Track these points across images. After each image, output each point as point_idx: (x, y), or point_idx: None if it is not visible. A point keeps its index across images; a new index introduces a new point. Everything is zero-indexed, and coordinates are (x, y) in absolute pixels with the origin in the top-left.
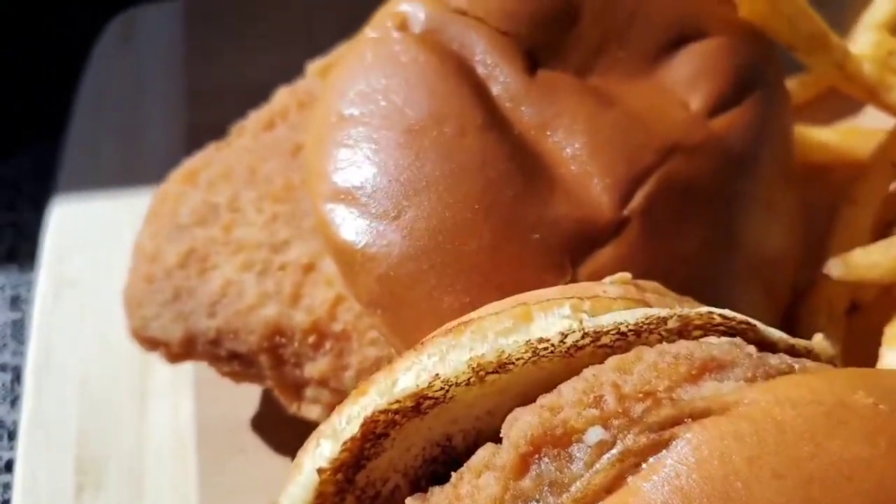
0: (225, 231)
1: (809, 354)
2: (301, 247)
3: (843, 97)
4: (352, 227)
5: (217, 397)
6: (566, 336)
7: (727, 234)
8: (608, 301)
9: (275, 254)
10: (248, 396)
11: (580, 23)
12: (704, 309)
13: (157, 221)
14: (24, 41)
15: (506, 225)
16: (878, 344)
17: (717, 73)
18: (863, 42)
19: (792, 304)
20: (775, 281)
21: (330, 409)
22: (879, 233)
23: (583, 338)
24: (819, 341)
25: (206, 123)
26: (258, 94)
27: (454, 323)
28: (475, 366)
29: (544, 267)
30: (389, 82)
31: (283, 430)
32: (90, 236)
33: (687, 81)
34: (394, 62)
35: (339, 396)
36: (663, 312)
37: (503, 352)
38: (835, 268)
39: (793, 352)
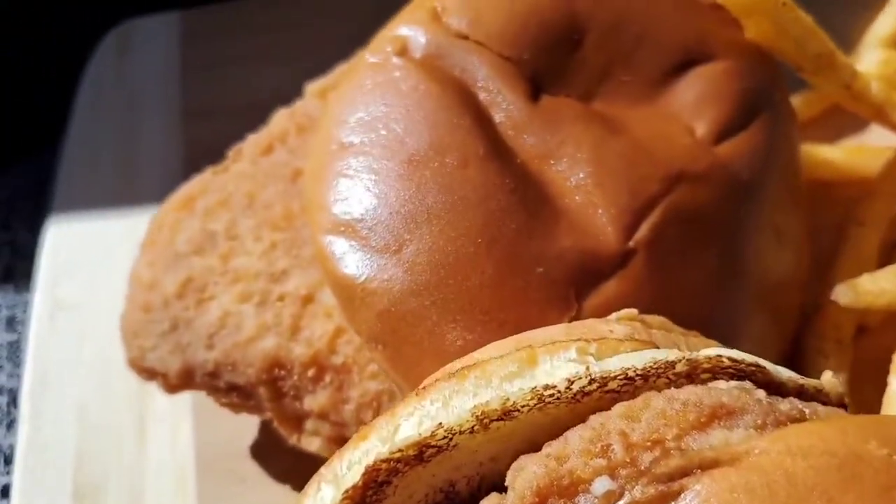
0: (223, 260)
1: (820, 394)
2: (300, 277)
3: (848, 114)
4: (352, 260)
5: (217, 423)
6: (573, 382)
7: (734, 263)
8: (615, 343)
9: (273, 284)
10: (248, 423)
11: (584, 47)
12: (713, 352)
13: (154, 249)
14: (19, 51)
15: (509, 259)
16: (887, 370)
17: (722, 97)
18: (869, 60)
19: (799, 327)
20: (782, 306)
21: (330, 441)
22: (886, 253)
23: (589, 384)
24: (828, 380)
25: (205, 140)
26: (258, 110)
27: (457, 365)
28: (479, 414)
29: (549, 301)
30: (390, 111)
31: (283, 459)
32: (86, 257)
33: (693, 106)
34: (394, 90)
35: (340, 430)
36: (671, 356)
37: (508, 399)
38: (843, 294)
39: (802, 392)
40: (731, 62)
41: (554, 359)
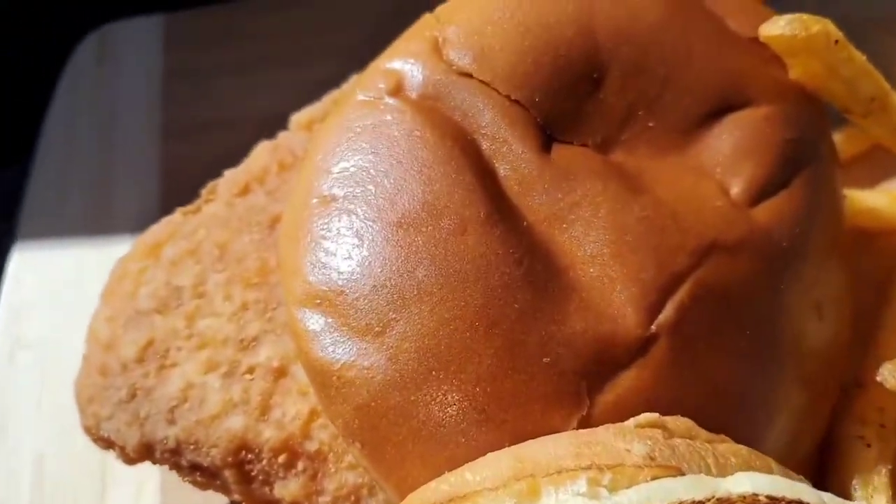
0: (188, 321)
1: None
2: (272, 345)
3: (892, 153)
4: (328, 341)
5: (185, 485)
6: None
7: (770, 346)
8: (632, 471)
9: (242, 353)
10: None
11: (604, 88)
12: (748, 487)
13: (115, 303)
14: None
15: (511, 347)
16: None
17: (762, 149)
18: None
19: (837, 403)
20: (821, 384)
21: None
22: None
23: None
24: None
25: (187, 160)
26: (248, 126)
27: (444, 487)
28: None
29: (556, 398)
30: (379, 161)
31: None
32: (53, 290)
33: (728, 160)
34: (386, 137)
35: None
36: (699, 494)
37: None
38: (890, 376)
39: None
40: (773, 107)
41: (560, 491)
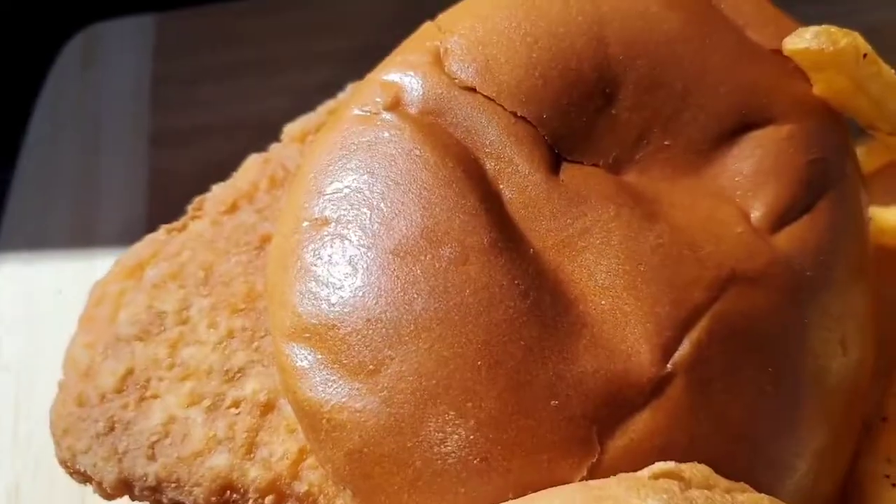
0: (170, 349)
1: None
2: (259, 378)
3: None
4: (318, 380)
5: None
6: None
7: (791, 382)
8: None
9: (228, 385)
10: None
11: (616, 104)
12: None
13: (93, 328)
14: None
15: (516, 388)
16: None
17: (784, 171)
18: None
19: (859, 439)
20: (844, 419)
21: None
22: None
23: None
24: None
25: (176, 166)
26: (238, 133)
27: None
28: None
29: (565, 444)
30: (375, 183)
31: None
32: (32, 307)
33: (748, 182)
34: (383, 155)
35: None
36: None
37: None
38: None
39: None
40: (796, 126)
41: None
